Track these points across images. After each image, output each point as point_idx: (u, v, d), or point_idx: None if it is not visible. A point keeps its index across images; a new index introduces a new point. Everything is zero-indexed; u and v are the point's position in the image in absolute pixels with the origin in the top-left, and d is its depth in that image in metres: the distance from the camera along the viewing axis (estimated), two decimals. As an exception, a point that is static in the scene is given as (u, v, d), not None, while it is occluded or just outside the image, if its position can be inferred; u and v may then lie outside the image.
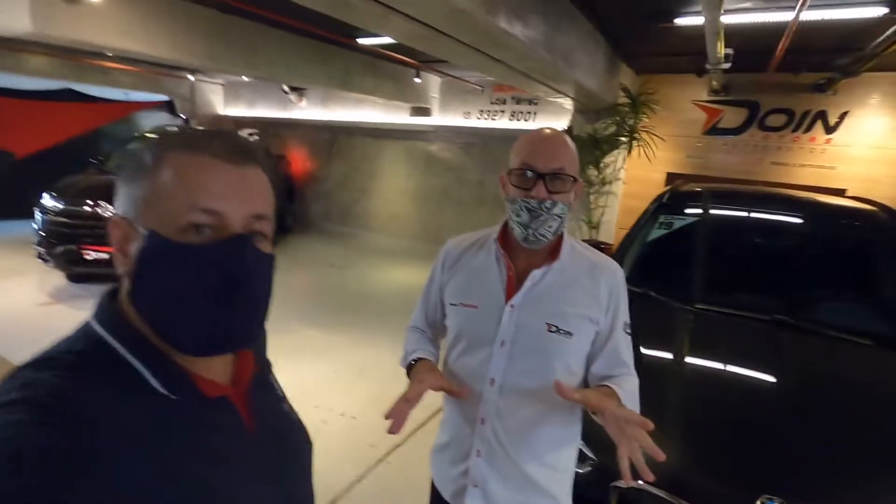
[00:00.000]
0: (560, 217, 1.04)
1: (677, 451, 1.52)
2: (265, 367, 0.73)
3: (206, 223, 0.53)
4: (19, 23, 3.08)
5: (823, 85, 4.73)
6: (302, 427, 0.75)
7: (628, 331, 1.12)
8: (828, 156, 5.09)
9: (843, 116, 4.96)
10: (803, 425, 1.64)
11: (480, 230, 1.24)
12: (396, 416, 0.94)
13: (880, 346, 2.02)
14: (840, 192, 4.68)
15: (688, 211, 2.94)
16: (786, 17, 2.88)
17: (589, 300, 1.08)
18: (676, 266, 2.74)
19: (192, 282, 0.53)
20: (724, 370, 1.95)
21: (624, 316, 1.12)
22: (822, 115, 5.03)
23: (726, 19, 2.93)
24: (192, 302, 0.54)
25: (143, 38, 3.78)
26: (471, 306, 1.13)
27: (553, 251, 1.10)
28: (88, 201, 4.59)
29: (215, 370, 0.61)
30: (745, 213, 2.84)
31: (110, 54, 6.09)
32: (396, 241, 8.13)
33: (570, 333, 1.06)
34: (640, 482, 1.39)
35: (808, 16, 2.97)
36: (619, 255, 2.79)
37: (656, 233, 2.87)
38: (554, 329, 1.06)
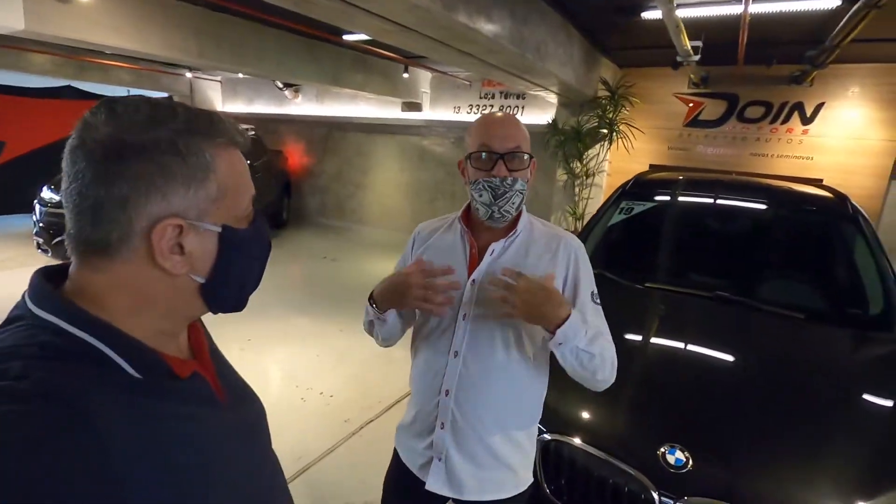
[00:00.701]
0: (521, 193, 1.09)
1: (598, 407, 1.67)
2: (208, 334, 0.75)
3: (251, 206, 0.62)
4: (12, 21, 3.23)
5: (799, 77, 4.81)
6: (253, 392, 0.77)
7: (596, 300, 1.14)
8: (805, 146, 5.18)
9: (819, 107, 5.05)
10: (723, 386, 1.78)
11: (446, 214, 1.30)
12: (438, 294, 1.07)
13: (810, 319, 2.15)
14: (816, 182, 4.78)
15: (647, 197, 3.07)
16: (737, 9, 2.99)
17: (547, 269, 1.10)
18: (630, 248, 2.87)
19: (258, 254, 0.64)
20: (662, 341, 2.09)
21: (589, 285, 1.13)
22: (798, 107, 5.12)
23: (681, 13, 3.05)
24: (258, 268, 0.65)
25: (135, 36, 3.94)
26: None
27: (511, 226, 1.15)
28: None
29: (181, 346, 0.63)
30: (698, 199, 2.96)
31: (108, 52, 6.27)
32: (389, 234, 8.27)
33: None
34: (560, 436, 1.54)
35: (761, 8, 3.08)
36: (580, 238, 2.92)
37: (616, 218, 3.00)
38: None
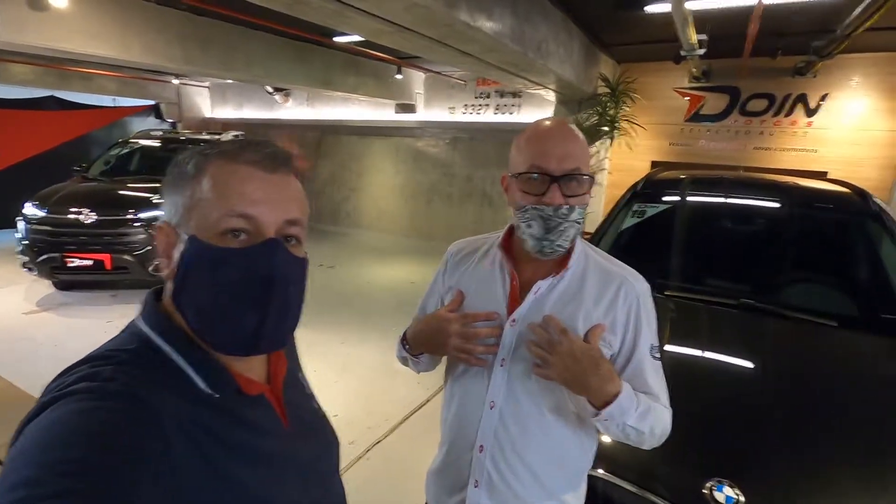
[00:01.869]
0: (578, 223, 0.92)
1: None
2: (296, 365, 0.77)
3: (241, 228, 0.56)
4: (-14, 31, 3.07)
5: (803, 68, 4.71)
6: (329, 424, 0.77)
7: (656, 355, 0.97)
8: (809, 139, 5.08)
9: (823, 99, 4.95)
10: (766, 408, 1.65)
11: (485, 234, 1.13)
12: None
13: (843, 326, 2.03)
14: (821, 175, 4.68)
15: (660, 199, 2.94)
16: (751, 0, 2.87)
17: (601, 318, 0.93)
18: (646, 254, 2.74)
19: (229, 283, 0.56)
20: (688, 356, 1.95)
21: (649, 338, 0.96)
22: (802, 99, 5.02)
23: (691, 5, 2.92)
24: (229, 303, 0.56)
25: (115, 42, 3.76)
26: None
27: (563, 259, 0.96)
28: (71, 209, 4.58)
29: (253, 369, 0.64)
30: (716, 200, 2.84)
31: (90, 60, 6.08)
32: (386, 238, 8.13)
33: None
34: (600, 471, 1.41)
35: (774, -1, 2.97)
36: (592, 243, 2.79)
37: (629, 221, 2.88)
38: None
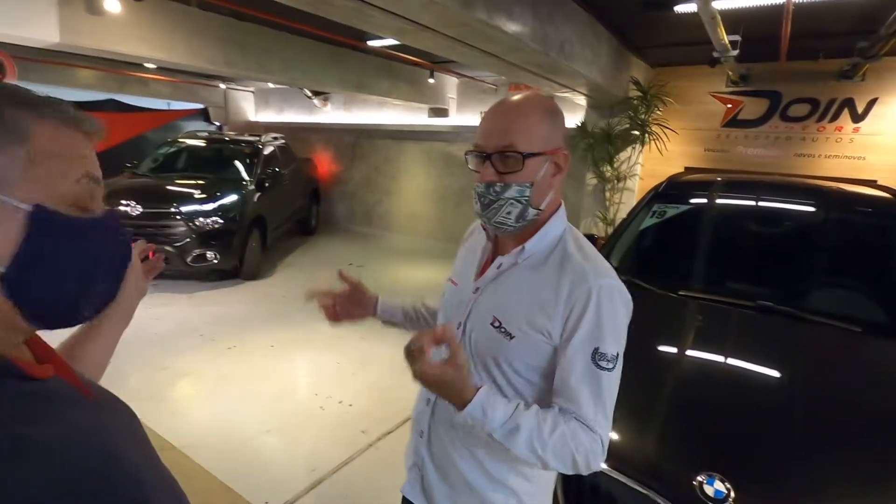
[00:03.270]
0: (518, 200, 0.89)
1: (626, 428, 1.52)
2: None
3: (94, 195, 0.52)
4: (48, 34, 3.35)
5: (848, 71, 4.49)
6: (121, 400, 0.69)
7: (603, 364, 0.85)
8: (856, 146, 4.82)
9: (871, 104, 4.69)
10: (768, 408, 1.60)
11: None
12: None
13: (868, 333, 1.93)
14: (870, 184, 4.43)
15: (681, 200, 2.89)
16: (780, -2, 2.78)
17: (549, 305, 0.88)
18: (663, 254, 2.69)
19: (100, 254, 0.53)
20: (697, 355, 1.91)
21: (591, 340, 0.85)
22: (848, 103, 4.77)
23: (718, 4, 2.86)
24: (102, 272, 0.54)
25: (162, 46, 4.03)
26: (453, 282, 1.10)
27: (526, 237, 0.94)
28: (120, 201, 4.91)
29: (24, 355, 0.55)
30: (737, 201, 2.76)
31: (149, 66, 6.51)
32: (415, 241, 8.23)
33: (509, 335, 0.91)
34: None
35: (805, -4, 2.86)
36: (609, 243, 2.77)
37: (648, 222, 2.83)
38: (496, 324, 0.93)
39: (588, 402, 0.85)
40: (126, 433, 0.58)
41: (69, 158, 0.50)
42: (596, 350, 0.85)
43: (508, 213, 0.90)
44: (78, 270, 0.51)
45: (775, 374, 1.76)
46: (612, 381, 0.87)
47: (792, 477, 1.32)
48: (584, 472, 0.86)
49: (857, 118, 4.77)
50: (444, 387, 0.81)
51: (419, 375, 0.79)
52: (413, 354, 0.78)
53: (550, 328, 0.88)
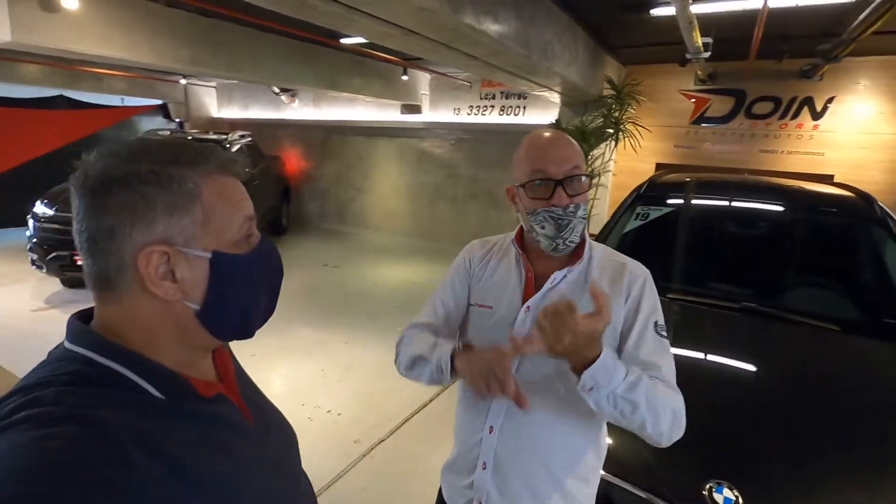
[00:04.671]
0: (584, 219, 1.02)
1: (631, 437, 1.54)
2: (236, 360, 0.76)
3: (251, 232, 0.61)
4: (-1, 33, 3.12)
5: (809, 71, 4.70)
6: (285, 418, 0.78)
7: (662, 333, 1.01)
8: (815, 142, 5.06)
9: (829, 102, 4.94)
10: (765, 411, 1.66)
11: (498, 236, 1.22)
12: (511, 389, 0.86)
13: (846, 331, 2.03)
14: (828, 179, 4.67)
15: (663, 201, 2.95)
16: (756, 4, 2.87)
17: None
18: (648, 257, 2.74)
19: (262, 280, 0.63)
20: (689, 359, 1.96)
21: (651, 313, 1.00)
22: (808, 102, 5.01)
23: (696, 8, 2.93)
24: (264, 295, 0.65)
25: (124, 44, 3.81)
26: (486, 307, 1.10)
27: (574, 253, 1.06)
28: (80, 207, 4.64)
29: (206, 371, 0.64)
30: (718, 203, 2.84)
31: (101, 61, 6.14)
32: (391, 238, 8.16)
33: None
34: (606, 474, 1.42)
35: (780, 2, 2.96)
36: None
37: (632, 224, 2.89)
38: None
39: (667, 366, 0.98)
40: (268, 466, 0.64)
41: (232, 205, 0.59)
42: (656, 323, 1.00)
43: (577, 231, 1.01)
44: (249, 296, 0.62)
45: (765, 376, 1.83)
46: (668, 344, 1.01)
47: (797, 483, 1.38)
48: (678, 435, 0.93)
49: (816, 116, 5.01)
50: (590, 342, 0.81)
51: (575, 328, 0.78)
52: (562, 314, 0.78)
53: (614, 318, 0.96)
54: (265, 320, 0.67)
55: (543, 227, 1.00)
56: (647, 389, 0.87)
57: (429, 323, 1.15)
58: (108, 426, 0.47)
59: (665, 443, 0.93)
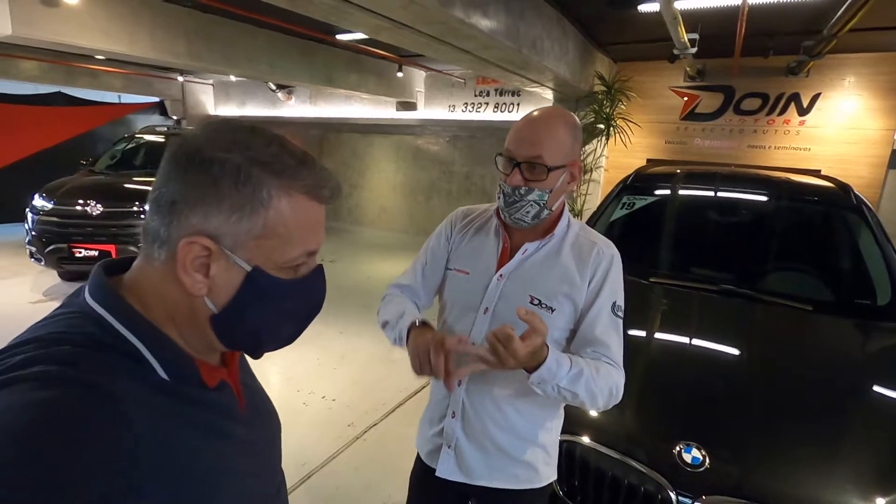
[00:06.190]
0: (537, 203, 1.04)
1: (618, 410, 1.63)
2: None
3: (306, 262, 0.59)
4: (-1, 26, 3.18)
5: (795, 67, 4.80)
6: (271, 403, 0.77)
7: (618, 313, 1.08)
8: (802, 137, 5.16)
9: (815, 98, 5.03)
10: (734, 381, 1.75)
11: (483, 205, 1.27)
12: (440, 372, 0.92)
13: (818, 311, 2.12)
14: (815, 173, 4.76)
15: (648, 191, 3.04)
16: (736, 0, 2.96)
17: (575, 277, 1.07)
18: (634, 243, 2.83)
19: (294, 311, 0.60)
20: (669, 337, 2.05)
21: (611, 295, 1.07)
22: (795, 98, 5.11)
23: (680, 5, 3.02)
24: (291, 325, 0.61)
25: (123, 39, 3.88)
26: (462, 272, 1.16)
27: (549, 228, 1.11)
28: (78, 200, 4.70)
29: (212, 356, 0.63)
30: (700, 192, 2.93)
31: (99, 57, 6.20)
32: (386, 235, 8.24)
33: (551, 308, 1.06)
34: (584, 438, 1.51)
35: (759, -1, 3.06)
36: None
37: (619, 213, 2.97)
38: (536, 302, 1.06)
39: (616, 345, 1.06)
40: (253, 454, 0.64)
41: (299, 233, 0.56)
42: (614, 303, 1.07)
43: (527, 212, 1.06)
44: (271, 321, 0.58)
45: (738, 351, 1.92)
46: (622, 326, 1.09)
47: (758, 444, 1.47)
48: (613, 404, 1.04)
49: (803, 112, 5.11)
50: (534, 355, 0.90)
51: (515, 355, 0.86)
52: (502, 341, 0.86)
53: (577, 295, 1.06)
54: (282, 346, 0.63)
55: (498, 199, 1.08)
56: (587, 378, 0.97)
57: (408, 284, 1.26)
58: (120, 399, 0.46)
59: (598, 411, 1.08)
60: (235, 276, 0.54)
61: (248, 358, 0.77)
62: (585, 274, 1.07)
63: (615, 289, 1.08)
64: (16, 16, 3.21)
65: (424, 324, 1.07)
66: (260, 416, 0.69)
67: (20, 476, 0.38)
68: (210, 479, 0.54)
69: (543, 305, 1.06)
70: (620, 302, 1.09)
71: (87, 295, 0.54)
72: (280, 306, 0.58)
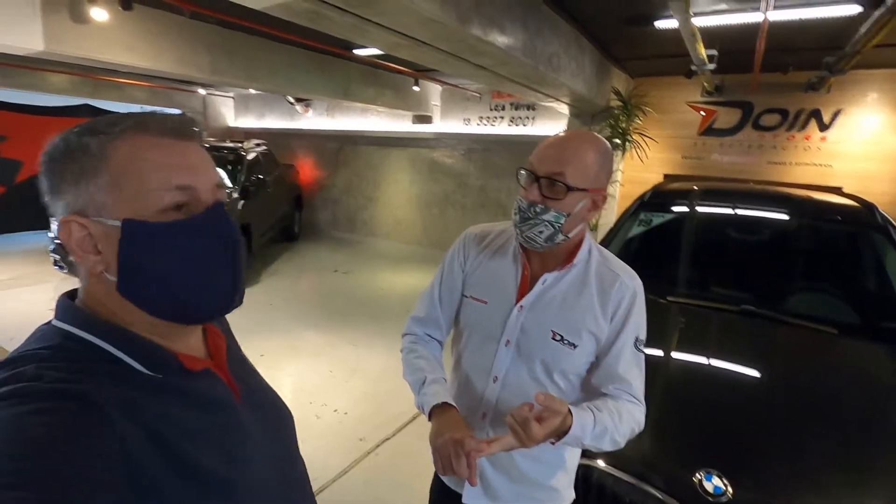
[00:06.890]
0: (552, 224, 0.98)
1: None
2: (235, 344, 0.75)
3: (183, 201, 0.55)
4: (32, 43, 3.29)
5: (816, 83, 4.73)
6: (280, 399, 0.76)
7: (640, 347, 1.06)
8: (823, 154, 5.08)
9: (836, 114, 4.96)
10: (756, 406, 1.70)
11: (499, 223, 1.21)
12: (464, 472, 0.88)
13: (843, 334, 2.06)
14: (836, 190, 4.67)
15: (666, 208, 3.01)
16: (756, 17, 2.94)
17: (597, 312, 1.03)
18: (651, 261, 2.80)
19: (198, 253, 0.55)
20: (689, 358, 2.01)
21: (634, 330, 1.04)
22: (815, 114, 5.03)
23: (698, 22, 3.01)
24: (204, 270, 0.56)
25: (149, 54, 3.99)
26: (480, 301, 1.12)
27: (569, 257, 1.06)
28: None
29: (192, 346, 0.62)
30: (720, 210, 2.89)
31: (123, 70, 6.39)
32: (400, 247, 8.26)
33: (573, 345, 1.03)
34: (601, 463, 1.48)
35: (780, 15, 3.03)
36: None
37: (636, 230, 2.95)
38: (558, 338, 1.04)
39: (638, 381, 1.06)
40: (264, 434, 0.64)
41: (155, 169, 0.54)
42: (637, 338, 1.05)
43: (540, 232, 1.00)
44: (180, 269, 0.55)
45: (760, 374, 1.87)
46: (644, 359, 1.08)
47: (783, 474, 1.42)
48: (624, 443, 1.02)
49: (824, 128, 5.03)
50: (557, 430, 0.88)
51: (534, 439, 0.85)
52: (521, 425, 0.85)
53: (600, 331, 1.04)
54: (221, 302, 0.59)
55: (515, 214, 1.03)
56: (611, 432, 0.96)
57: (425, 317, 1.21)
58: (91, 399, 0.46)
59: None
60: (115, 236, 0.53)
61: (253, 363, 0.78)
62: (608, 309, 1.04)
63: (639, 323, 1.06)
64: (48, 33, 3.33)
65: (447, 406, 1.03)
66: (262, 409, 0.68)
67: (21, 483, 0.39)
68: (217, 459, 0.54)
69: (566, 342, 1.04)
70: (643, 336, 1.07)
71: (53, 320, 0.56)
72: (173, 250, 0.54)
